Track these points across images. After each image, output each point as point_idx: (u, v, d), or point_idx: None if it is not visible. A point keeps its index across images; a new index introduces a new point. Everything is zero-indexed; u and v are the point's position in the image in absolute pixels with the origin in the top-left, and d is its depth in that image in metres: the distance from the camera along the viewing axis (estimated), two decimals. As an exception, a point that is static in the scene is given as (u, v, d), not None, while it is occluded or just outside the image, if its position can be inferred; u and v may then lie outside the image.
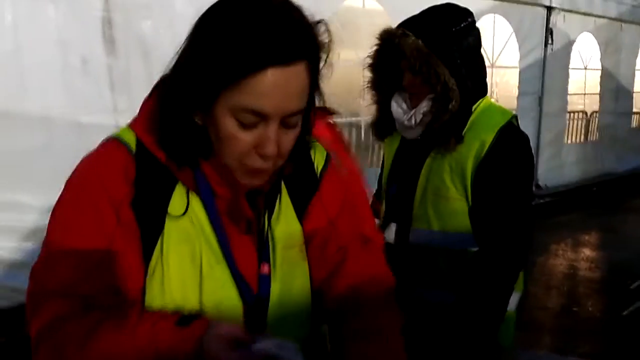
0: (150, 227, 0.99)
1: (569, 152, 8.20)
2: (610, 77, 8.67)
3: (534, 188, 7.41)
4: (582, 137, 8.83)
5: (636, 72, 9.36)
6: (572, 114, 8.45)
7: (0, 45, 3.44)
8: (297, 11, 0.93)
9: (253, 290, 1.05)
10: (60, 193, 1.01)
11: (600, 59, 8.48)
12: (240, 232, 1.05)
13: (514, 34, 6.89)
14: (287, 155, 1.00)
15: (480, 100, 1.78)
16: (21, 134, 3.54)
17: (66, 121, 3.66)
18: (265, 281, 1.06)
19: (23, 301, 0.98)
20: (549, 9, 7.14)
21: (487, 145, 1.69)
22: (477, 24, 1.78)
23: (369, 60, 1.85)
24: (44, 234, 1.00)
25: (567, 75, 7.88)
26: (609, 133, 8.90)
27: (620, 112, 9.08)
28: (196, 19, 0.95)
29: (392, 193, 1.89)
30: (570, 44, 7.72)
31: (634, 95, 9.43)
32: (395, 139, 1.95)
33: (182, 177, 1.01)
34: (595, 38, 8.22)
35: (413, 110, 1.78)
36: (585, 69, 8.48)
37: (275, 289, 1.07)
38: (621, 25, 8.54)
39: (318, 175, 1.17)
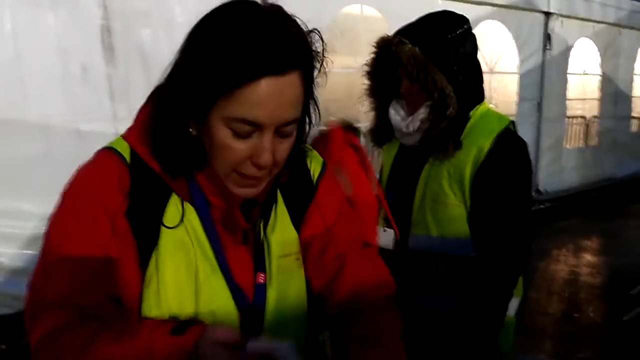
0: (145, 237, 0.99)
1: (568, 157, 8.19)
2: (609, 82, 8.68)
3: (534, 193, 7.41)
4: (582, 142, 8.82)
5: (635, 77, 9.37)
6: (571, 119, 8.45)
7: (0, 53, 3.46)
8: (291, 20, 0.94)
9: (249, 299, 1.05)
10: (55, 204, 1.01)
11: (599, 64, 8.49)
12: (236, 242, 1.05)
13: (512, 40, 6.91)
14: (283, 164, 1.01)
15: (478, 106, 1.79)
16: (21, 142, 3.56)
17: (66, 129, 3.68)
18: (261, 290, 1.06)
19: (24, 308, 0.98)
20: (547, 14, 7.16)
21: (485, 151, 1.69)
22: (476, 30, 1.79)
23: (367, 68, 1.87)
24: (44, 241, 1.00)
25: (565, 81, 7.89)
26: (608, 138, 8.91)
27: (620, 117, 9.09)
28: None
29: (391, 199, 1.90)
30: (568, 49, 7.73)
31: (633, 99, 9.44)
32: (393, 145, 1.96)
33: (176, 187, 1.01)
34: (594, 43, 8.23)
35: (411, 117, 1.79)
36: (584, 74, 8.49)
37: (271, 298, 1.07)
38: (619, 30, 8.55)
39: (314, 182, 1.17)
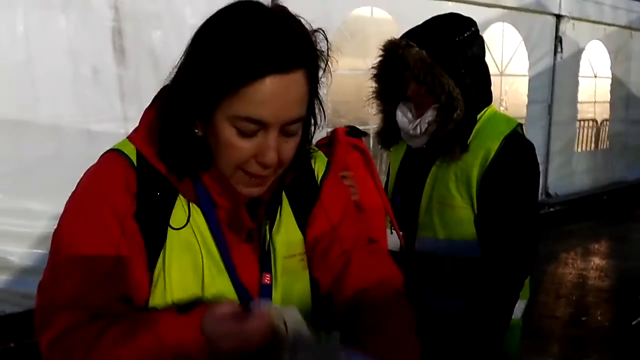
0: (153, 238, 0.99)
1: (579, 161, 8.16)
2: (620, 85, 8.64)
3: (544, 196, 7.39)
4: (593, 145, 8.79)
5: (646, 80, 9.33)
6: (582, 122, 8.42)
7: (12, 55, 3.50)
8: (295, 20, 0.94)
9: (254, 299, 1.05)
10: (64, 206, 1.02)
11: (610, 66, 8.45)
12: (241, 242, 1.06)
13: (523, 42, 6.89)
14: (288, 163, 1.01)
15: (485, 109, 1.79)
16: (32, 143, 3.59)
17: (77, 130, 3.71)
18: (266, 291, 1.07)
19: (33, 307, 0.99)
20: (558, 17, 7.14)
21: (492, 154, 1.69)
22: (487, 33, 1.79)
23: (374, 71, 1.87)
24: (54, 241, 1.01)
25: (576, 83, 7.86)
26: (619, 141, 8.87)
27: (631, 120, 9.03)
28: None
29: (398, 201, 1.90)
30: (579, 52, 7.71)
31: (645, 103, 9.39)
32: (401, 147, 1.96)
33: (182, 188, 1.02)
34: (605, 46, 8.20)
35: (418, 120, 1.79)
36: (595, 76, 8.45)
37: (276, 298, 1.08)
38: (631, 33, 8.52)
39: (319, 182, 1.18)
